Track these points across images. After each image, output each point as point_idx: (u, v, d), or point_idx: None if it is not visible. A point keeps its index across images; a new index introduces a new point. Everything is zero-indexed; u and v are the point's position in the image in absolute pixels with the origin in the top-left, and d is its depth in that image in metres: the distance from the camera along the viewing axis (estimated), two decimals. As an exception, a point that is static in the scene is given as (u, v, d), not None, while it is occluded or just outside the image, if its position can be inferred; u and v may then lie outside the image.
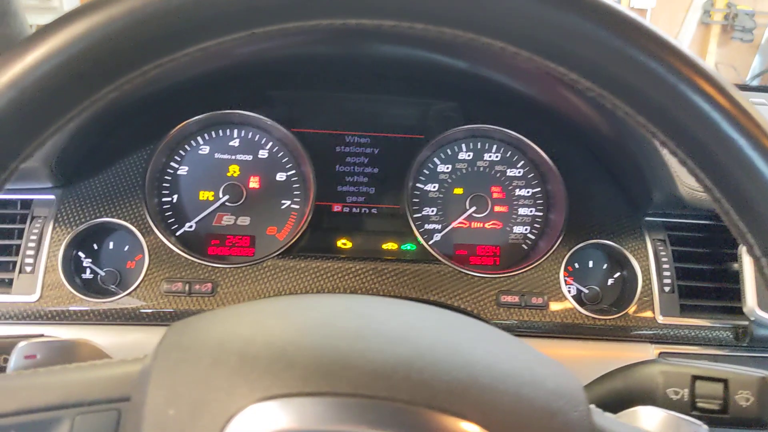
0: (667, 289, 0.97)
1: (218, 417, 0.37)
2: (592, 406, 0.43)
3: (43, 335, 0.71)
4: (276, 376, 0.38)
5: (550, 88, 0.95)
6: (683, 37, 4.89)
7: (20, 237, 0.91)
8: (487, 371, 0.41)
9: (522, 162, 1.08)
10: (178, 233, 1.01)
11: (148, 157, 0.97)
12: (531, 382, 0.42)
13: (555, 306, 0.96)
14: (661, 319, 0.96)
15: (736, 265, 0.94)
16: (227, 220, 1.03)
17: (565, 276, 0.99)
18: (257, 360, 0.39)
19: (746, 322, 0.95)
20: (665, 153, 0.90)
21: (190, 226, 1.02)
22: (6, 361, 0.59)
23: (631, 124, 0.87)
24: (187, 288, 0.91)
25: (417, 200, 1.07)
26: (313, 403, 0.38)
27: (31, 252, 0.90)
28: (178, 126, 0.98)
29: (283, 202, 1.05)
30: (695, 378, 0.67)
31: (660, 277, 0.98)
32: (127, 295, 0.90)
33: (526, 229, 1.08)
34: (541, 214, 1.08)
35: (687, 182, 0.92)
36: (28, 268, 0.90)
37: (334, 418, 0.37)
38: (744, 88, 1.63)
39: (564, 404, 0.42)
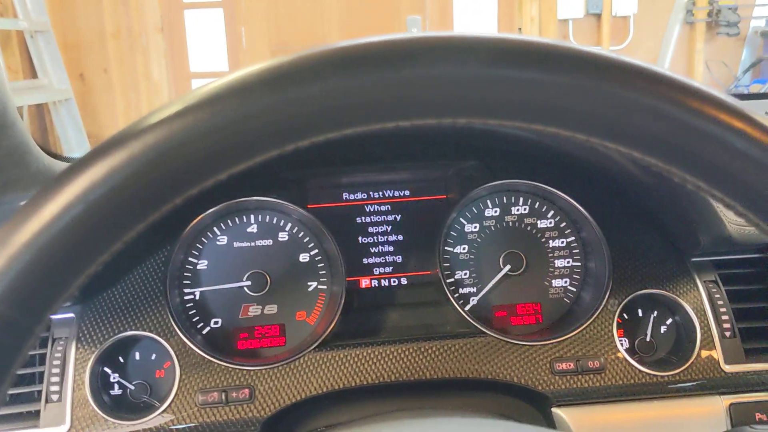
0: (728, 333, 0.92)
1: None
2: None
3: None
4: None
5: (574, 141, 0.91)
6: (669, 40, 4.89)
7: (42, 363, 0.86)
8: None
9: (552, 212, 1.04)
10: (204, 331, 0.96)
11: (166, 259, 0.93)
12: None
13: (612, 367, 0.91)
14: (727, 368, 0.90)
15: (797, 299, 0.89)
16: (254, 310, 0.98)
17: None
18: None
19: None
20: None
21: (216, 323, 0.97)
22: None
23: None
24: (223, 397, 0.86)
25: (447, 264, 1.03)
26: None
27: (56, 379, 0.85)
28: (194, 221, 0.94)
29: (309, 283, 1.00)
30: (791, 445, 0.62)
31: (718, 321, 0.92)
32: (162, 412, 0.85)
33: (565, 282, 1.03)
34: (579, 263, 1.03)
35: (733, 219, 0.87)
36: (55, 397, 0.84)
37: None
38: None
39: None
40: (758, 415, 0.87)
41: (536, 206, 1.04)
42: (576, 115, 0.34)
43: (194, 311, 0.97)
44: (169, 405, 0.86)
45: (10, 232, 0.33)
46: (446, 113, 0.35)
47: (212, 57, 4.85)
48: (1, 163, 1.00)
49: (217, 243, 0.99)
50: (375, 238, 1.04)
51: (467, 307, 1.00)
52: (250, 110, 0.33)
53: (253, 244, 0.99)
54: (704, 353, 0.91)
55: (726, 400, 0.89)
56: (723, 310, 0.93)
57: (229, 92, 0.33)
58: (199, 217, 0.94)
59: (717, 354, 0.91)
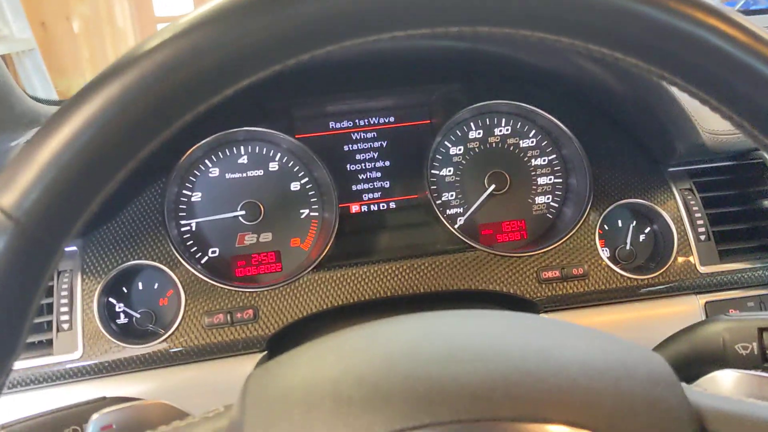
0: (702, 237, 0.97)
1: None
2: (684, 384, 0.43)
3: (105, 398, 0.69)
4: (375, 415, 0.37)
5: (557, 55, 0.94)
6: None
7: (50, 294, 0.89)
8: (583, 372, 0.40)
9: (533, 131, 1.07)
10: (203, 261, 0.99)
11: (162, 190, 0.95)
12: (625, 374, 0.41)
13: (595, 273, 0.96)
14: (702, 269, 0.96)
15: (767, 202, 0.94)
16: (249, 239, 1.01)
17: (597, 240, 0.99)
18: (352, 400, 0.38)
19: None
20: (683, 102, 0.89)
21: (214, 252, 1.00)
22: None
23: (647, 81, 0.86)
24: (229, 318, 0.90)
25: (434, 187, 1.06)
26: None
27: (65, 309, 0.88)
28: (186, 153, 0.95)
29: (301, 211, 1.03)
30: (762, 330, 0.67)
31: (694, 226, 0.98)
32: (170, 335, 0.89)
33: (548, 198, 1.07)
34: (560, 180, 1.07)
35: (708, 128, 0.91)
36: (65, 326, 0.87)
37: None
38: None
39: (661, 390, 0.41)
40: (731, 311, 0.94)
41: (518, 126, 1.07)
42: (570, 24, 0.37)
43: (191, 242, 1.00)
44: (177, 328, 0.89)
45: (31, 151, 0.35)
46: (458, 21, 0.37)
47: (177, 0, 4.73)
48: (-13, 104, 1.00)
49: (210, 175, 1.01)
50: (363, 165, 1.07)
51: (455, 226, 1.04)
52: (251, 26, 0.35)
53: (244, 174, 1.01)
54: (681, 257, 0.97)
55: (702, 299, 0.96)
56: (698, 215, 0.98)
57: (230, 10, 0.35)
58: (191, 150, 0.95)
59: (693, 257, 0.97)
